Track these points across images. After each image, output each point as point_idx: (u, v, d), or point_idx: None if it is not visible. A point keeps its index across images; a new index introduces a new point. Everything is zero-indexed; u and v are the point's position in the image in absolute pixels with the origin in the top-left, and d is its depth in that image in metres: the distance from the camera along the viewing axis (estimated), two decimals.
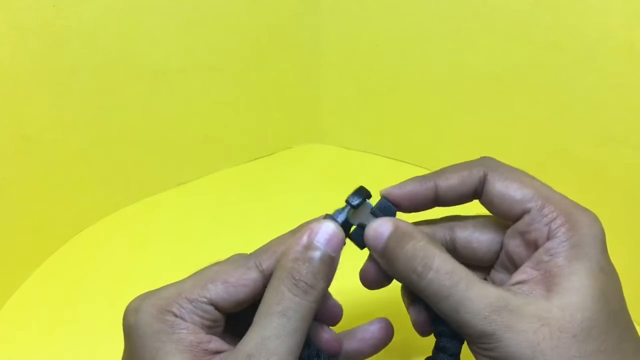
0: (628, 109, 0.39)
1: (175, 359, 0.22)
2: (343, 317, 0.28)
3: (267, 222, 0.49)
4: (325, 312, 0.27)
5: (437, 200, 0.27)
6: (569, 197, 0.26)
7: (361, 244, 0.27)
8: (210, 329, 0.24)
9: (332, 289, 0.27)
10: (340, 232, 0.25)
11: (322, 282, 0.24)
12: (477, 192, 0.27)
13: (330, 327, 0.28)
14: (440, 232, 0.28)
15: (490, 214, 0.27)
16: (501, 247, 0.27)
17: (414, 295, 0.27)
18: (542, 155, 0.46)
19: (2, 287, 0.42)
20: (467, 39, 0.45)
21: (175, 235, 0.48)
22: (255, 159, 0.56)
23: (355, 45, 0.50)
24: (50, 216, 0.46)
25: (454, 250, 0.28)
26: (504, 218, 0.26)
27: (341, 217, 0.27)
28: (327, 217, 0.27)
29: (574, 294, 0.22)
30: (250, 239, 0.47)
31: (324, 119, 0.56)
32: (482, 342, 0.22)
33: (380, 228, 0.26)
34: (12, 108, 0.40)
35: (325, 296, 0.27)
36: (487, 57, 0.44)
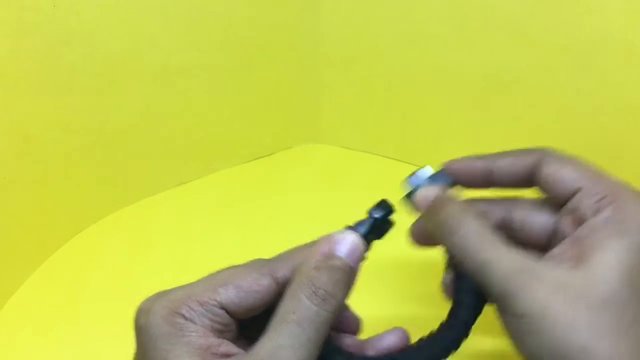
0: (628, 109, 0.39)
1: None
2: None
3: (267, 222, 0.49)
4: (345, 324, 0.27)
5: (492, 178, 0.28)
6: None
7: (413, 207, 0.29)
8: (221, 333, 0.23)
9: (351, 300, 0.27)
10: (361, 244, 0.25)
11: (341, 292, 0.24)
12: (533, 177, 0.27)
13: None
14: (497, 210, 0.29)
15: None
16: (555, 229, 0.27)
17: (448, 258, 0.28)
18: None
19: (2, 287, 0.42)
20: (467, 39, 0.45)
21: (175, 235, 0.48)
22: (255, 159, 0.56)
23: (355, 45, 0.50)
24: (51, 216, 0.46)
25: (510, 230, 0.29)
26: (557, 198, 0.27)
27: (362, 230, 0.26)
28: (349, 228, 0.27)
29: (601, 267, 0.22)
30: (251, 239, 0.48)
31: (324, 119, 0.56)
32: (500, 302, 0.23)
33: (427, 191, 0.28)
34: (12, 108, 0.40)
35: (344, 309, 0.27)
36: (487, 57, 0.44)
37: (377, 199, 0.28)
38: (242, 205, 0.51)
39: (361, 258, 0.25)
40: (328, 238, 0.25)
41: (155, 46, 0.45)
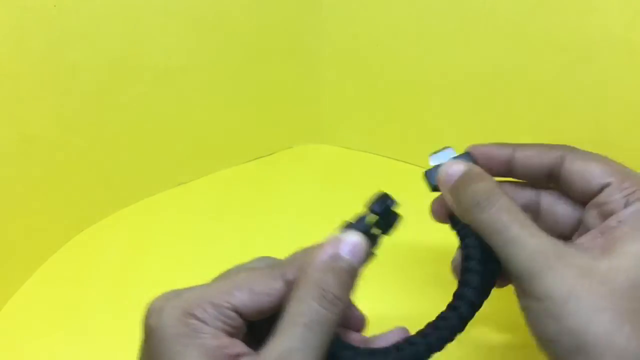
0: (628, 109, 0.39)
1: None
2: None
3: (268, 222, 0.49)
4: (349, 321, 0.27)
5: (514, 168, 0.29)
6: None
7: (433, 184, 0.29)
8: (232, 335, 0.23)
9: (357, 297, 0.27)
10: (364, 244, 0.25)
11: (347, 294, 0.24)
12: (554, 172, 0.28)
13: None
14: (524, 194, 0.30)
15: None
16: (581, 220, 0.28)
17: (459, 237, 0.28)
18: None
19: (3, 288, 0.42)
20: (467, 39, 0.45)
21: (175, 236, 0.48)
22: (255, 159, 0.56)
23: (356, 45, 0.50)
24: (51, 216, 0.46)
25: (537, 214, 0.29)
26: (582, 196, 0.27)
27: (363, 225, 0.27)
28: (350, 225, 0.27)
29: (626, 258, 0.23)
30: (251, 239, 0.48)
31: (324, 119, 0.56)
32: (523, 280, 0.23)
33: (455, 166, 0.28)
34: (13, 108, 0.40)
35: (350, 307, 0.27)
36: (487, 57, 0.44)
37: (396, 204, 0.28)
38: (242, 205, 0.51)
39: (365, 257, 0.25)
40: (332, 239, 0.25)
41: (156, 46, 0.45)
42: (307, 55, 0.52)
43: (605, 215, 0.25)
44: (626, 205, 0.24)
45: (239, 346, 0.23)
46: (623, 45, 0.37)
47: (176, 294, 0.24)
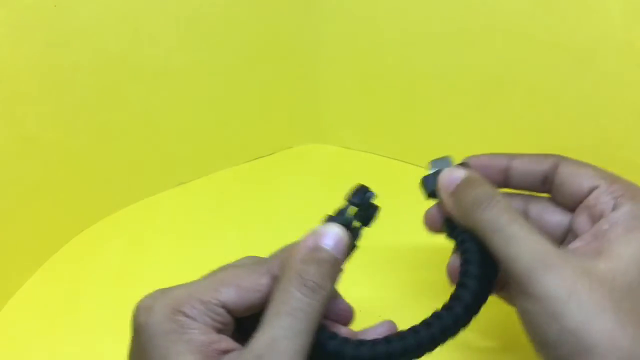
0: (628, 109, 0.39)
1: (187, 359, 0.22)
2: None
3: (267, 221, 0.49)
4: (337, 313, 0.28)
5: (509, 177, 0.30)
6: None
7: (430, 190, 0.30)
8: (220, 331, 0.24)
9: (342, 292, 0.27)
10: (345, 235, 0.26)
11: (329, 283, 0.24)
12: (548, 180, 0.29)
13: None
14: (515, 201, 0.31)
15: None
16: (569, 228, 0.29)
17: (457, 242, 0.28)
18: None
19: (3, 288, 0.43)
20: (467, 39, 0.45)
21: (175, 235, 0.48)
22: (255, 159, 0.56)
23: (356, 45, 0.50)
24: (51, 216, 0.46)
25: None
26: (573, 198, 0.28)
27: (343, 217, 0.27)
28: (330, 218, 0.27)
29: (621, 260, 0.23)
30: (251, 239, 0.48)
31: (324, 119, 0.56)
32: (522, 279, 0.23)
33: (457, 172, 0.29)
34: (13, 108, 0.40)
35: (336, 298, 0.28)
36: (487, 57, 0.44)
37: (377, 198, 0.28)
38: (242, 205, 0.51)
39: (346, 248, 0.26)
40: (313, 231, 0.26)
41: (156, 46, 0.45)
42: (307, 55, 0.52)
43: (595, 218, 0.26)
44: (615, 207, 0.25)
45: (227, 342, 0.23)
46: (623, 46, 0.37)
47: (164, 292, 0.24)
